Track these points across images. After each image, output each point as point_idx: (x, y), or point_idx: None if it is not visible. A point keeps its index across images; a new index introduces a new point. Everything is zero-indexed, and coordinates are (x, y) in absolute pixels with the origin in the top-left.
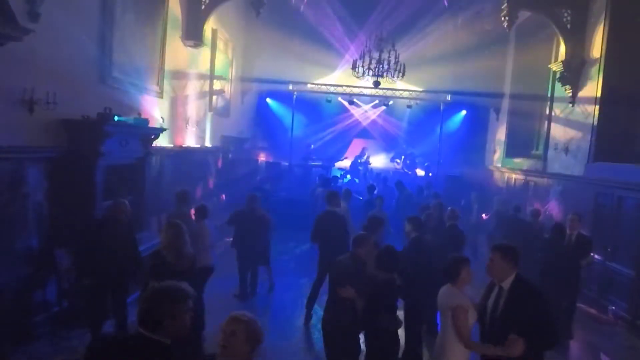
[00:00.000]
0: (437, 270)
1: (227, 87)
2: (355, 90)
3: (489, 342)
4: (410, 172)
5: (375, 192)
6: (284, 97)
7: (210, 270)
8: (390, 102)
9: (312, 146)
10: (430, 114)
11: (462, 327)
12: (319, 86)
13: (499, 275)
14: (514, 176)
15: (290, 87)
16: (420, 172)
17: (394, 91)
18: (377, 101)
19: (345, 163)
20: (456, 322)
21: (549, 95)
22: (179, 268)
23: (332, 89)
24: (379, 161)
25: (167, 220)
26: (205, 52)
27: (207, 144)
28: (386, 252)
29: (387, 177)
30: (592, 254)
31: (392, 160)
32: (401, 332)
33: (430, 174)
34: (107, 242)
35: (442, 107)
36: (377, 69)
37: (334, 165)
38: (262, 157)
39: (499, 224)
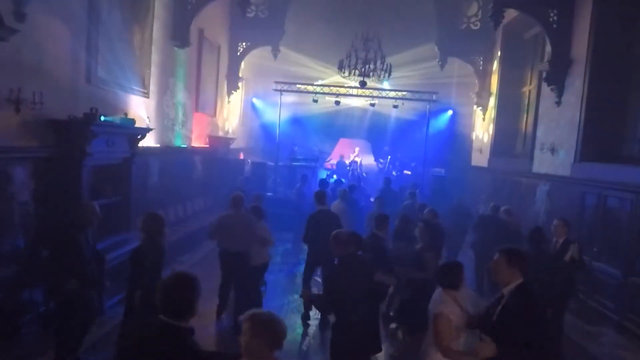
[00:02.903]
0: None
1: (214, 87)
2: (342, 91)
3: None
4: (396, 173)
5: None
6: (270, 97)
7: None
8: (376, 101)
9: (296, 147)
10: (417, 114)
11: (440, 335)
12: (305, 86)
13: (502, 279)
14: (500, 176)
15: (277, 87)
16: (407, 173)
17: (380, 91)
18: (363, 101)
19: (333, 163)
20: (435, 329)
21: (535, 95)
22: (162, 250)
23: (318, 89)
24: (365, 161)
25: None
26: (191, 52)
27: (194, 144)
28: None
29: (363, 177)
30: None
31: (376, 160)
32: None
33: (409, 173)
34: (79, 246)
35: (428, 107)
36: (363, 69)
37: (323, 166)
38: (248, 157)
39: (478, 224)
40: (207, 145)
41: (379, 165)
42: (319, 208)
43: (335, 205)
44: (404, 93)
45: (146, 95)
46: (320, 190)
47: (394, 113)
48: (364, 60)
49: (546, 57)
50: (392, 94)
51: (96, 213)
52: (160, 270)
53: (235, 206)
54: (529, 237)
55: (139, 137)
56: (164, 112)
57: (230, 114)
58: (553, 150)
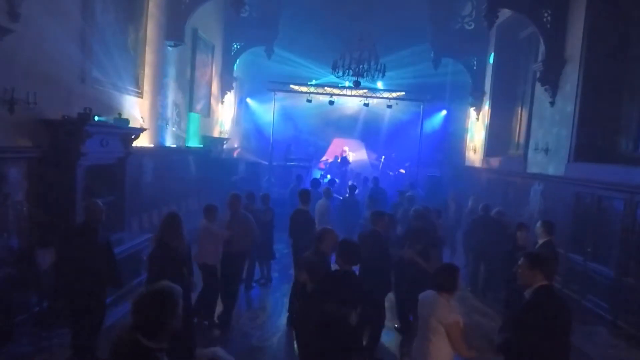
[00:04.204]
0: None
1: (208, 87)
2: (336, 91)
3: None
4: (392, 173)
5: (357, 191)
6: (264, 97)
7: None
8: (370, 101)
9: (292, 148)
10: (411, 113)
11: (460, 343)
12: (299, 86)
13: (524, 281)
14: (494, 176)
15: (271, 87)
16: (402, 172)
17: (374, 91)
18: (357, 101)
19: (328, 162)
20: (453, 340)
21: (529, 95)
22: (180, 255)
23: (312, 89)
24: (359, 161)
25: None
26: (185, 52)
27: (187, 144)
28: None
29: (368, 177)
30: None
31: (377, 159)
32: None
33: (403, 170)
34: (90, 246)
35: (422, 107)
36: (357, 69)
37: (318, 166)
38: (242, 157)
39: (472, 224)
40: (201, 145)
41: (379, 162)
42: (300, 208)
43: (321, 204)
44: (398, 93)
45: (140, 95)
46: (304, 189)
47: (388, 113)
48: (357, 60)
49: (540, 57)
50: (386, 94)
51: (101, 210)
52: (176, 274)
53: (232, 208)
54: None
55: (133, 137)
56: (157, 112)
57: (224, 114)
58: (547, 150)
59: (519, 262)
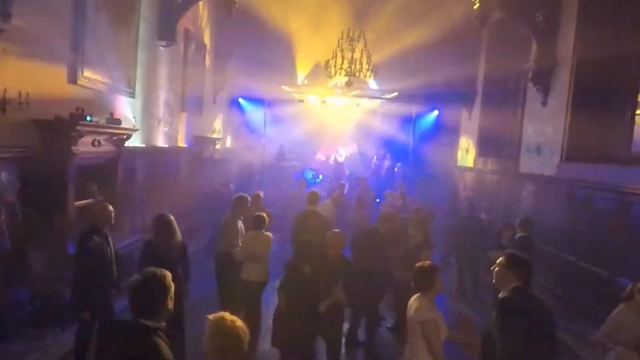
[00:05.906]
0: None
1: (200, 87)
2: (328, 91)
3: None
4: (384, 172)
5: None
6: (256, 97)
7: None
8: (362, 101)
9: (284, 147)
10: (403, 113)
11: (433, 342)
12: (292, 86)
13: (498, 281)
14: (486, 176)
15: (262, 87)
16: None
17: (366, 91)
18: (349, 101)
19: (321, 159)
20: (427, 337)
21: (522, 95)
22: (171, 255)
23: (304, 89)
24: (353, 161)
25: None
26: (177, 52)
27: (180, 144)
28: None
29: (360, 177)
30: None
31: (369, 159)
32: None
33: (396, 168)
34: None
35: (415, 108)
36: (349, 69)
37: (310, 166)
38: (234, 157)
39: (457, 225)
40: (194, 145)
41: (374, 163)
42: (308, 208)
43: (328, 204)
44: (390, 93)
45: (132, 95)
46: (313, 190)
47: (380, 113)
48: (350, 60)
49: (532, 58)
50: (378, 93)
51: (110, 211)
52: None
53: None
54: (497, 234)
55: (124, 137)
56: (149, 112)
57: (216, 114)
58: (539, 151)
59: (498, 261)
